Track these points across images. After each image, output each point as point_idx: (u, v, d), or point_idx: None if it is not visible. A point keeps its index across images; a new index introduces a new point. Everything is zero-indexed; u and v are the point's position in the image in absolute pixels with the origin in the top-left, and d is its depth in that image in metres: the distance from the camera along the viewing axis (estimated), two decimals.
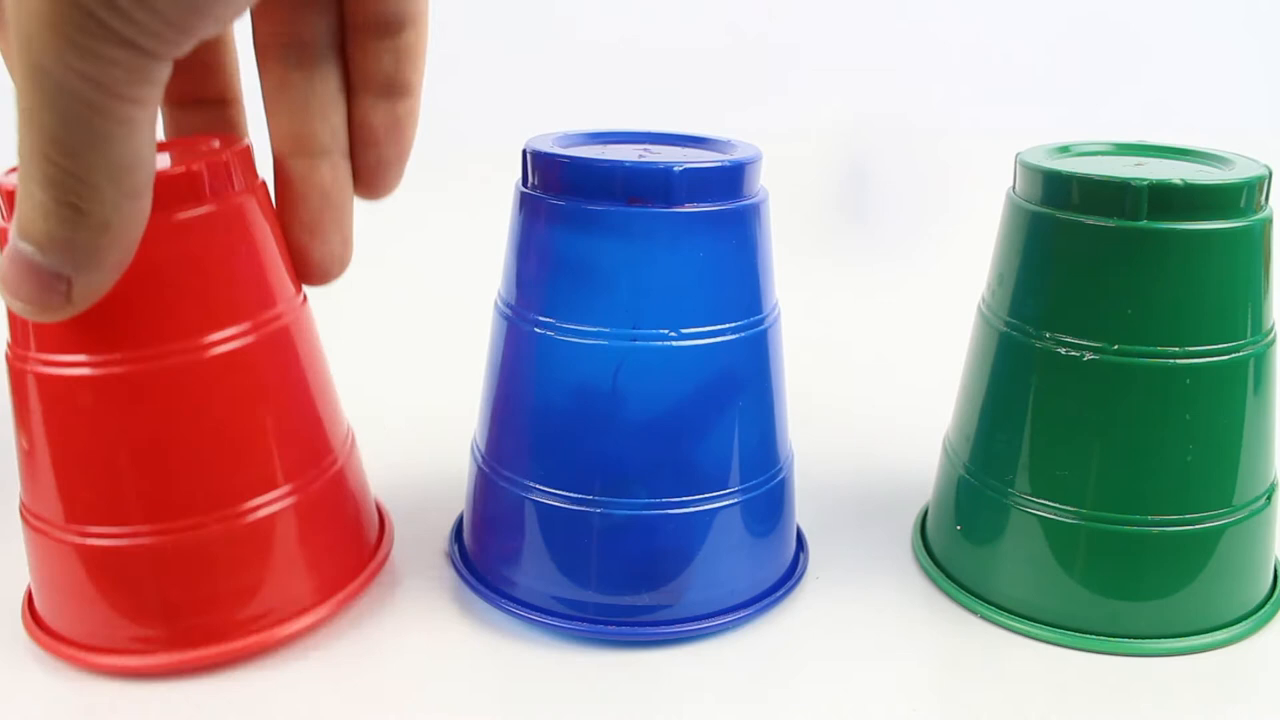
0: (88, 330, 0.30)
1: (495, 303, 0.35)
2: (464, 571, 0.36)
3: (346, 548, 0.36)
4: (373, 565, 0.36)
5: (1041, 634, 0.34)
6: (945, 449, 0.38)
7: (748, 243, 0.33)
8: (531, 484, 0.33)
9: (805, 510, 0.40)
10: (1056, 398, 0.33)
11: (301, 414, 0.34)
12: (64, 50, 0.22)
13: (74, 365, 0.30)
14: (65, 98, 0.22)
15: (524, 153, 0.33)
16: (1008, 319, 0.34)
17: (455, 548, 0.38)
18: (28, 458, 0.32)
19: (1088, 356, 0.32)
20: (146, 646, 0.32)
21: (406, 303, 0.66)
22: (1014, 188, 0.34)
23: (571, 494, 0.33)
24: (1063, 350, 0.32)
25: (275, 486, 0.33)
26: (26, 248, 0.25)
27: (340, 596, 0.35)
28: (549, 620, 0.34)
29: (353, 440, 0.38)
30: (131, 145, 0.24)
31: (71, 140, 0.23)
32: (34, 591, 0.35)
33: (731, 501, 0.33)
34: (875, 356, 0.60)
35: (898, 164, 0.68)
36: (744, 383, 0.33)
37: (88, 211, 0.24)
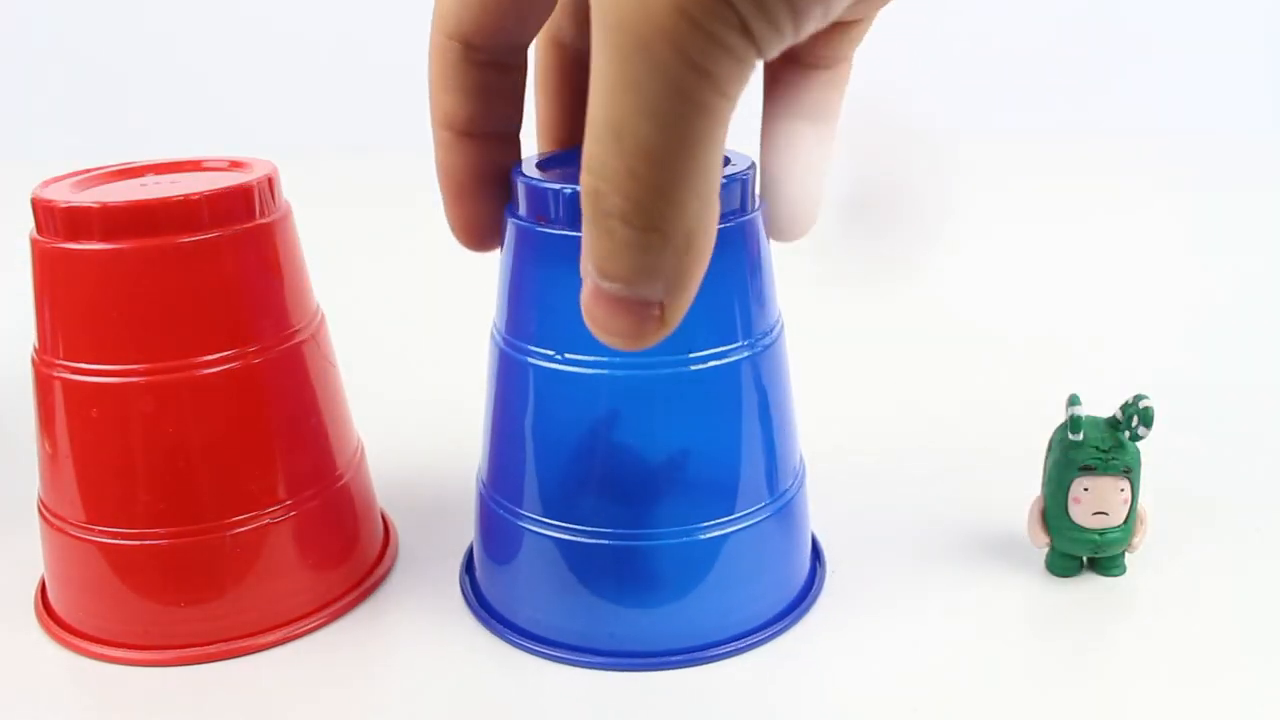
0: (112, 340, 0.32)
1: (491, 333, 0.34)
2: (475, 605, 0.36)
3: (346, 560, 0.37)
4: (371, 579, 0.37)
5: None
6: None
7: (749, 258, 0.32)
8: (537, 517, 0.33)
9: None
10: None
11: (310, 430, 0.35)
12: (688, 39, 0.20)
13: (97, 373, 0.32)
14: (670, 96, 0.21)
15: (511, 181, 0.32)
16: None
17: (467, 579, 0.37)
18: (49, 460, 0.34)
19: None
20: (153, 641, 0.34)
21: (425, 314, 0.67)
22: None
23: (578, 526, 0.32)
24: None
25: (280, 499, 0.34)
26: (612, 286, 0.23)
27: (335, 607, 0.36)
28: (558, 654, 0.33)
29: (361, 453, 0.39)
30: (718, 149, 0.22)
31: (665, 149, 0.21)
32: (48, 585, 0.36)
33: (746, 524, 0.33)
34: (875, 360, 0.59)
35: (898, 165, 0.69)
36: (753, 402, 0.33)
37: (671, 233, 0.23)
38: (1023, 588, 0.37)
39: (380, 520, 0.40)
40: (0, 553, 0.39)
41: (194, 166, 0.36)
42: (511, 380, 0.33)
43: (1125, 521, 0.36)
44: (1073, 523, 0.36)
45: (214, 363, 0.32)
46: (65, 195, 0.32)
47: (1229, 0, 1.05)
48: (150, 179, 0.35)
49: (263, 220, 0.33)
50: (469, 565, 0.38)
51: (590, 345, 0.30)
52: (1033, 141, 1.04)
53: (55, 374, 0.32)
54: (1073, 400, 0.35)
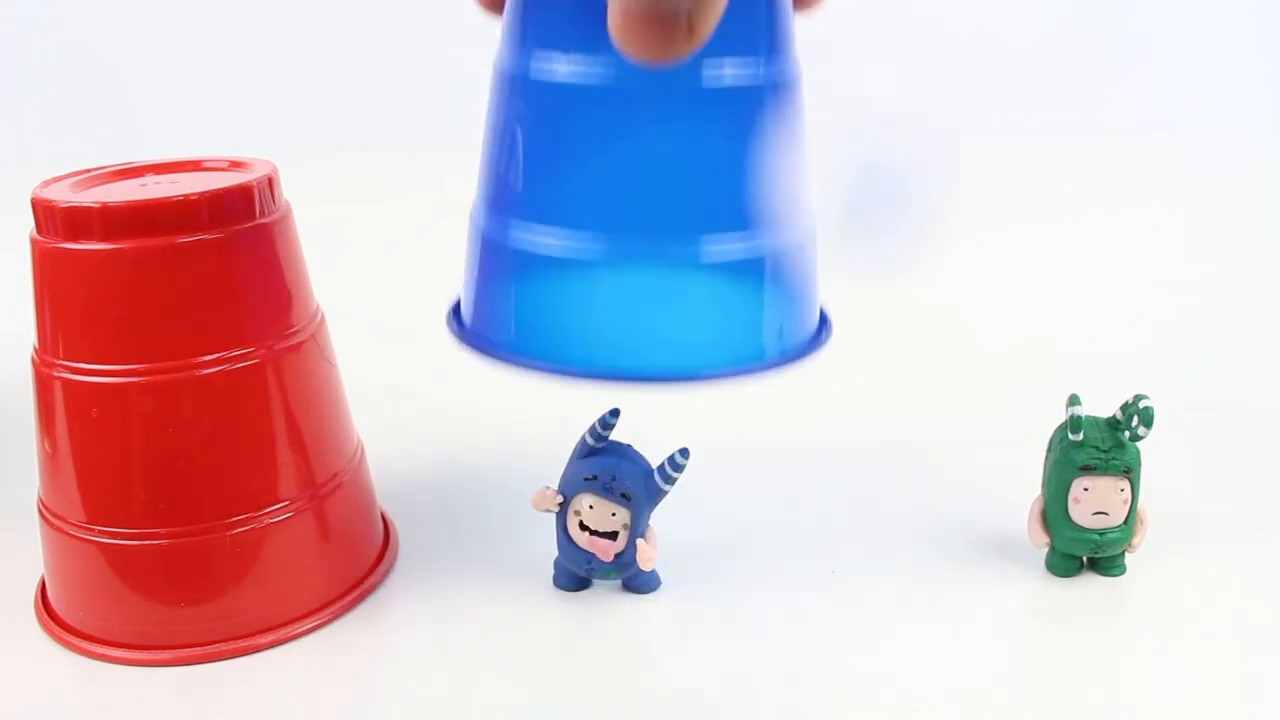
0: (112, 340, 0.32)
1: (493, 63, 0.32)
2: (464, 337, 0.33)
3: (345, 560, 0.37)
4: (371, 579, 0.37)
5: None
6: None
7: None
8: (534, 226, 0.31)
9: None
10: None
11: (310, 429, 0.35)
12: None
13: (97, 373, 0.32)
14: None
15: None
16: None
17: (454, 321, 0.34)
18: (49, 460, 0.34)
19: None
20: (153, 641, 0.34)
21: (425, 314, 0.66)
22: None
23: (574, 234, 0.30)
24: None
25: (280, 499, 0.34)
26: (639, 2, 0.24)
27: (335, 607, 0.36)
28: (550, 366, 0.31)
29: (361, 453, 0.39)
30: None
31: None
32: (48, 585, 0.36)
33: (758, 254, 0.31)
34: (875, 360, 0.59)
35: (899, 165, 0.69)
36: (773, 128, 0.30)
37: None
38: (1023, 588, 0.37)
39: (380, 520, 0.40)
40: (0, 553, 0.39)
41: (194, 166, 0.36)
42: (512, 98, 0.31)
43: (1125, 521, 0.36)
44: (1073, 523, 0.36)
45: (214, 363, 0.32)
46: (65, 195, 0.32)
47: (1229, 0, 1.05)
48: (150, 179, 0.35)
49: (263, 220, 0.33)
50: (455, 311, 0.35)
51: (594, 50, 0.29)
52: (1033, 141, 1.04)
53: (55, 374, 0.33)
54: (1073, 400, 0.35)
